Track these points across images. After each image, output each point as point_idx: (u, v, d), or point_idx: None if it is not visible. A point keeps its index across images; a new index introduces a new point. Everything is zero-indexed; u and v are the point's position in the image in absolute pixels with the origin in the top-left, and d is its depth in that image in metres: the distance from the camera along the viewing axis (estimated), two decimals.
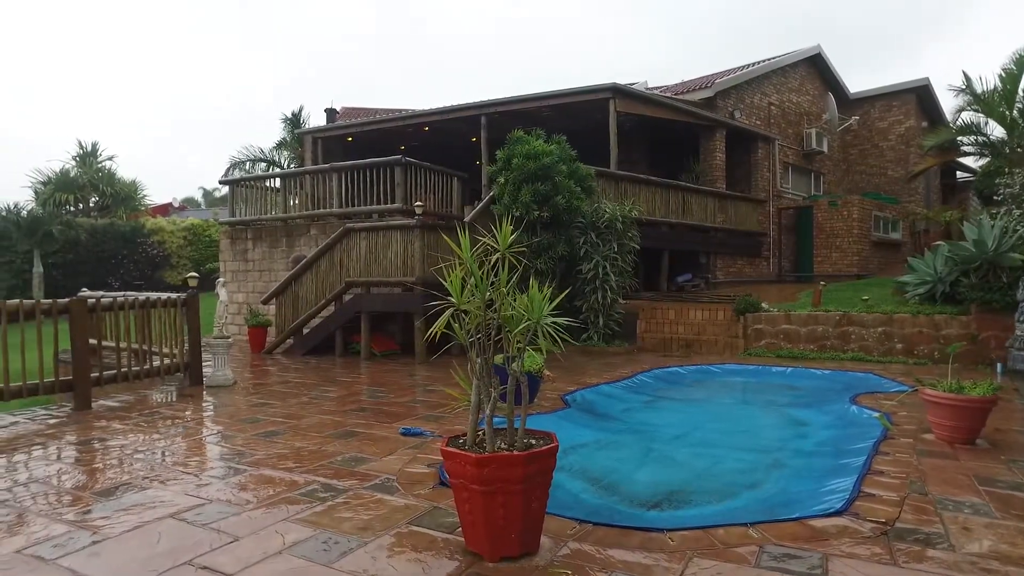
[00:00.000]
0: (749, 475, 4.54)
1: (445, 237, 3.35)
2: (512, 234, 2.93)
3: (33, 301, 6.16)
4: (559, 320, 2.88)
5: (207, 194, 68.13)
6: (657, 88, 18.05)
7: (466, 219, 10.68)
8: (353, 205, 11.90)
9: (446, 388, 3.72)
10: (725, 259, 15.64)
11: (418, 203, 9.33)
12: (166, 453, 4.70)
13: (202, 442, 5.07)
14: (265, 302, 10.84)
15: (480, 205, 10.82)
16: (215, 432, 5.39)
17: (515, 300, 2.87)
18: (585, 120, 14.41)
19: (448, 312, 2.80)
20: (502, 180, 10.45)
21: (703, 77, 17.64)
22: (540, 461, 2.78)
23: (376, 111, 19.09)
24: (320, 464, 4.29)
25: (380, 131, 16.23)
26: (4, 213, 21.24)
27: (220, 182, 29.28)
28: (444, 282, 2.85)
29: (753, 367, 9.04)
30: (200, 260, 26.38)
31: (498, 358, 6.69)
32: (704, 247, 15.01)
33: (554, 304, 2.81)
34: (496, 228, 2.98)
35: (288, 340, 10.53)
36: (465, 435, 2.98)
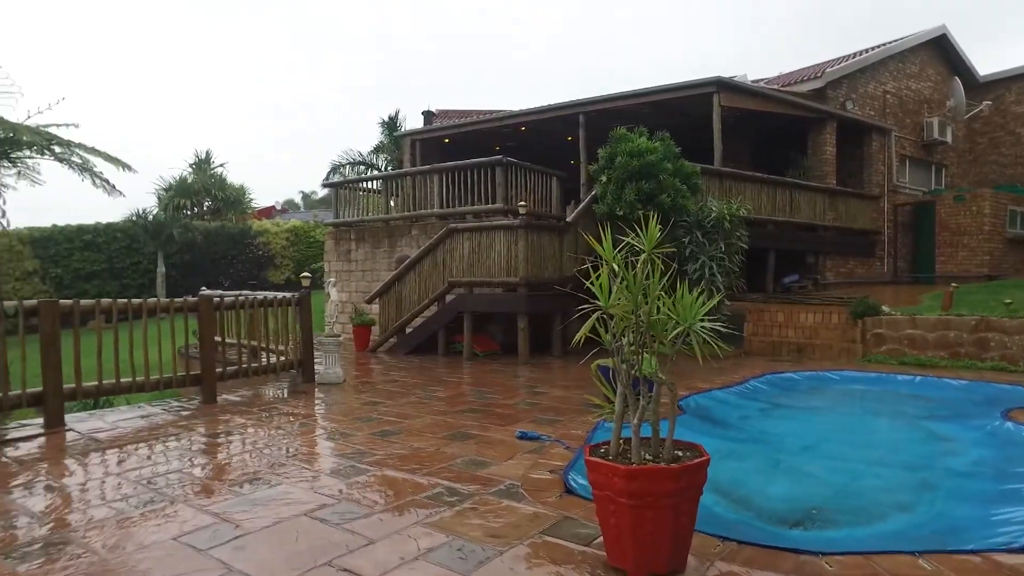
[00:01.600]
0: (895, 494, 4.17)
1: (587, 237, 3.23)
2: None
3: (168, 300, 6.53)
4: (709, 325, 2.69)
5: (306, 197, 71.39)
6: (761, 80, 17.26)
7: (567, 219, 10.56)
8: (453, 206, 12.01)
9: (588, 396, 3.63)
10: (835, 259, 14.74)
11: (521, 203, 9.28)
12: (290, 449, 4.82)
13: (322, 439, 5.18)
14: (369, 301, 11.11)
15: (582, 205, 10.66)
16: (333, 430, 5.49)
17: (661, 302, 2.71)
18: (685, 116, 13.96)
19: (594, 316, 2.67)
20: (604, 179, 10.25)
21: (811, 67, 16.72)
22: (691, 475, 2.61)
23: (470, 112, 19.29)
24: (441, 467, 4.27)
25: (476, 132, 16.35)
26: (134, 218, 23.00)
27: (323, 185, 30.28)
28: (590, 284, 2.72)
29: (875, 375, 8.42)
30: (302, 260, 27.55)
31: (608, 361, 6.50)
32: (813, 246, 14.20)
33: (707, 307, 2.63)
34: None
35: (391, 339, 10.75)
36: (606, 444, 2.84)
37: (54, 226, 22.90)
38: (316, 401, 6.90)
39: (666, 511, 2.55)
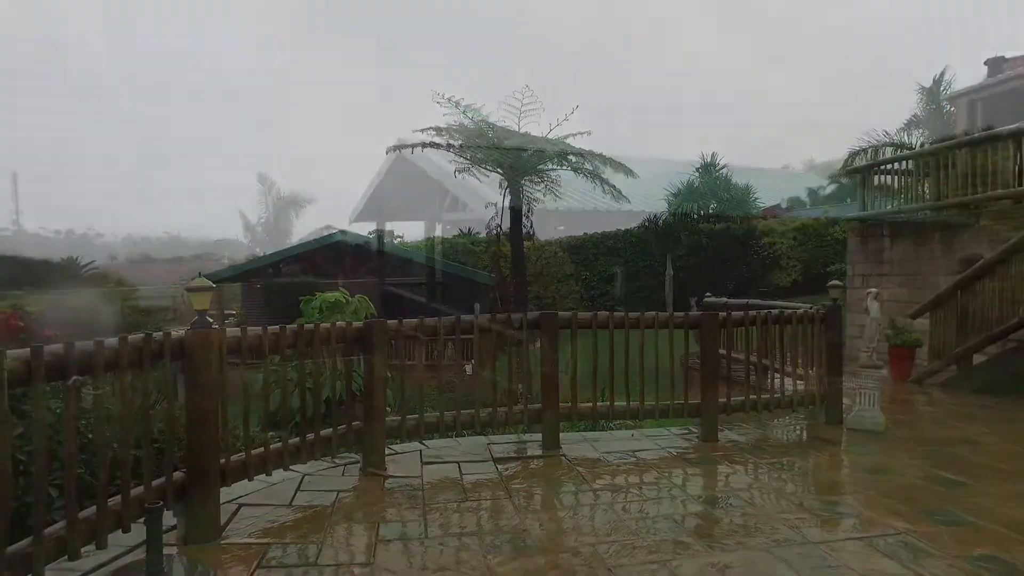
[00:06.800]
0: None
1: None
2: None
3: (667, 315, 5.67)
4: None
5: (812, 192, 66.62)
6: None
7: None
8: None
9: None
10: None
11: None
12: (814, 561, 3.19)
13: (865, 546, 3.34)
14: (915, 316, 8.43)
15: None
16: (885, 528, 3.57)
17: None
18: None
19: None
20: None
21: None
22: None
23: None
24: None
25: None
26: (646, 223, 24.55)
27: (844, 172, 27.32)
28: None
29: None
30: (811, 261, 25.06)
31: None
32: None
33: None
34: None
35: (948, 367, 7.88)
36: None
37: (584, 234, 26.06)
38: (845, 460, 5.06)
39: None
